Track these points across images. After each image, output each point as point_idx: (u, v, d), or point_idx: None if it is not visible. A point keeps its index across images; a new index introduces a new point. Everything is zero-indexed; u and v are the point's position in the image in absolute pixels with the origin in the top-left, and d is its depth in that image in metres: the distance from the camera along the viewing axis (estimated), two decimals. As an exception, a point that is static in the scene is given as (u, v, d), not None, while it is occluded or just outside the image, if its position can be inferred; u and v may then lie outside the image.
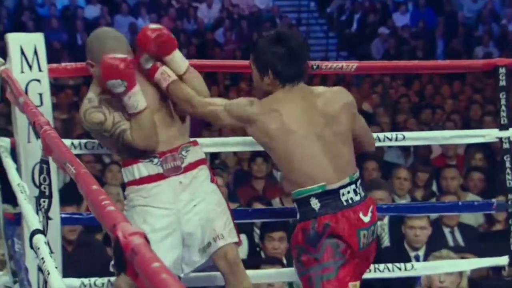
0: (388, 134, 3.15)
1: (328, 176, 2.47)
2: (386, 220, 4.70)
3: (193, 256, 2.63)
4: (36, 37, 2.76)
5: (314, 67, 2.98)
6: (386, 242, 4.67)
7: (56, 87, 7.84)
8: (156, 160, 2.60)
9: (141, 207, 2.61)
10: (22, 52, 2.70)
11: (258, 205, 4.45)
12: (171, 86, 2.57)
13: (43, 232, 1.83)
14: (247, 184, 5.62)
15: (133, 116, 2.52)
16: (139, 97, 2.51)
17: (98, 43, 2.54)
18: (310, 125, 2.48)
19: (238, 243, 2.66)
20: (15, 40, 2.72)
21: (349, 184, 2.50)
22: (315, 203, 2.45)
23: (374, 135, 3.12)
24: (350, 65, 3.05)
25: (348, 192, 2.49)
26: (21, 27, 10.87)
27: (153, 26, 2.62)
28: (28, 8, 11.76)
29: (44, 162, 1.78)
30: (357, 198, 2.51)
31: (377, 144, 3.13)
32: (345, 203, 2.48)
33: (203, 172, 2.68)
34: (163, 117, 2.63)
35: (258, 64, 2.50)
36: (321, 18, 13.38)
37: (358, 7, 12.91)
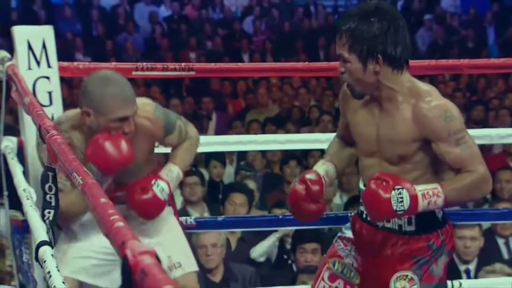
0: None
1: None
2: (432, 229, 4.65)
3: None
4: (44, 30, 2.76)
5: None
6: (432, 254, 4.62)
7: (68, 82, 7.89)
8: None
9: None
10: (30, 47, 2.70)
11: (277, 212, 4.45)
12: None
13: (50, 243, 1.83)
14: (278, 189, 5.60)
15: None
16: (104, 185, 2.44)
17: (99, 88, 2.38)
18: None
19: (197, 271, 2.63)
20: (21, 33, 2.72)
21: None
22: (438, 211, 2.34)
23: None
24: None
25: None
26: (32, 17, 10.99)
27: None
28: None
29: (49, 169, 1.78)
30: None
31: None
32: None
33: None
34: (137, 167, 2.55)
35: (359, 50, 2.21)
36: (360, 5, 13.31)
37: (402, -7, 12.83)
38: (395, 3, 12.70)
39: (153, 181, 2.52)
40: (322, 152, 4.99)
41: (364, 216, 2.41)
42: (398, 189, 2.18)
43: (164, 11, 12.01)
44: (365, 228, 2.42)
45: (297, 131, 6.62)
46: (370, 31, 2.20)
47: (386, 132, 2.30)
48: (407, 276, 2.33)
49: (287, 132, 6.38)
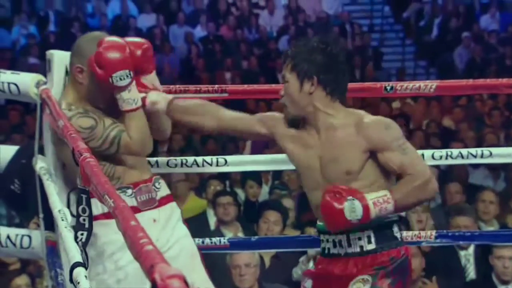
0: (473, 150, 3.09)
1: None
2: (471, 249, 4.61)
3: None
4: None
5: (388, 88, 2.97)
6: (471, 274, 4.59)
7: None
8: (129, 191, 2.56)
9: (107, 241, 2.53)
10: (67, 72, 2.72)
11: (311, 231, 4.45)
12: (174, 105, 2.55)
13: (84, 265, 1.85)
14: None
15: (130, 114, 2.47)
16: (136, 92, 2.48)
17: (90, 45, 2.49)
18: None
19: None
20: (60, 59, 2.72)
21: None
22: (397, 231, 2.48)
23: (456, 151, 3.08)
24: (429, 85, 3.01)
25: None
26: (70, 40, 11.13)
27: (135, 39, 2.57)
28: (77, 19, 12.04)
29: (83, 191, 1.79)
30: None
31: (460, 161, 3.09)
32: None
33: (176, 212, 2.66)
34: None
35: (298, 69, 2.42)
36: (396, 24, 13.27)
37: (439, 11, 12.76)
38: (432, 22, 12.66)
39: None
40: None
41: (326, 251, 2.51)
42: (350, 200, 2.33)
43: (199, 31, 12.10)
44: (327, 263, 2.51)
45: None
46: (311, 54, 2.42)
47: (330, 154, 2.43)
48: (363, 279, 2.43)
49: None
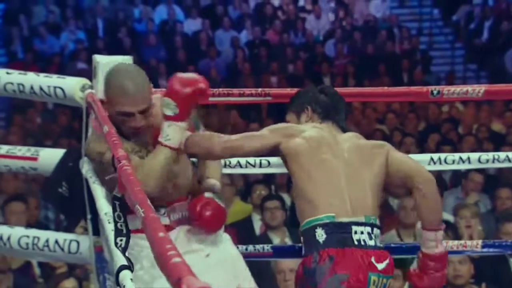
0: (521, 155, 3.04)
1: (341, 209, 2.46)
2: (521, 259, 4.53)
3: None
4: (125, 60, 2.80)
5: (435, 92, 2.92)
6: (522, 284, 4.50)
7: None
8: (162, 210, 2.58)
9: (144, 245, 2.49)
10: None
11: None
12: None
13: (130, 268, 1.86)
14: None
15: (158, 147, 2.45)
16: (177, 135, 2.44)
17: (111, 79, 2.51)
18: (338, 153, 2.54)
19: None
20: (104, 64, 2.75)
21: (364, 224, 2.47)
22: (320, 234, 2.43)
23: (503, 154, 3.01)
24: (477, 90, 2.95)
25: (362, 232, 2.46)
26: (117, 45, 11.25)
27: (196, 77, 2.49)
28: (124, 24, 12.16)
29: (115, 198, 1.80)
30: (371, 242, 2.46)
31: (508, 165, 3.08)
32: (356, 242, 2.44)
33: None
34: (181, 167, 2.60)
35: (295, 108, 2.72)
36: (446, 27, 13.12)
37: (489, 13, 12.57)
38: (482, 24, 12.48)
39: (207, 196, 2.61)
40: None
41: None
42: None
43: (245, 36, 12.12)
44: None
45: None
46: (298, 95, 2.77)
47: None
48: None
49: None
